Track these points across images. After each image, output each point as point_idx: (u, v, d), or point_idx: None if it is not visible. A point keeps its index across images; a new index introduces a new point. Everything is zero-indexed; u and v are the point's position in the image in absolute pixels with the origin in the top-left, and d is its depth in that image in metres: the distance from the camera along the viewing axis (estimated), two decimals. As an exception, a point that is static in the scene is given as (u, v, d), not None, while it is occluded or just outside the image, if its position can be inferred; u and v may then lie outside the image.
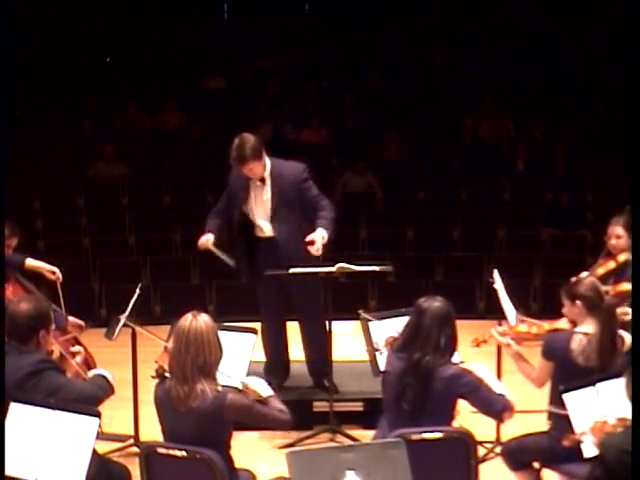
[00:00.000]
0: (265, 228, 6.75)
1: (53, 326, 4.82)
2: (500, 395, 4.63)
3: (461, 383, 4.54)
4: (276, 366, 6.97)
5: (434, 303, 4.64)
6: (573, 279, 5.07)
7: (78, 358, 5.22)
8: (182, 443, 4.27)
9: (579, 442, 4.28)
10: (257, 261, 6.79)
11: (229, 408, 4.26)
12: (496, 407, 4.59)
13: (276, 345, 6.99)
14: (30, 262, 6.36)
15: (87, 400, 4.47)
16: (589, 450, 4.28)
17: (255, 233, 6.78)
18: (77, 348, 5.36)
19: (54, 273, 6.35)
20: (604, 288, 5.17)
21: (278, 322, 6.97)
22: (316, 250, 6.45)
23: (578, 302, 4.94)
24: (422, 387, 4.51)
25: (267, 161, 6.69)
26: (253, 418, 4.37)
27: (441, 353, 4.55)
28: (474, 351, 5.39)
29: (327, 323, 6.56)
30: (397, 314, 5.45)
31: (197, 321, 4.32)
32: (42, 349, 4.67)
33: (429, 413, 4.49)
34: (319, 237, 6.46)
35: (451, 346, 4.62)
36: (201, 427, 4.26)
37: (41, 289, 6.53)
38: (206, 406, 4.24)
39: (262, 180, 6.67)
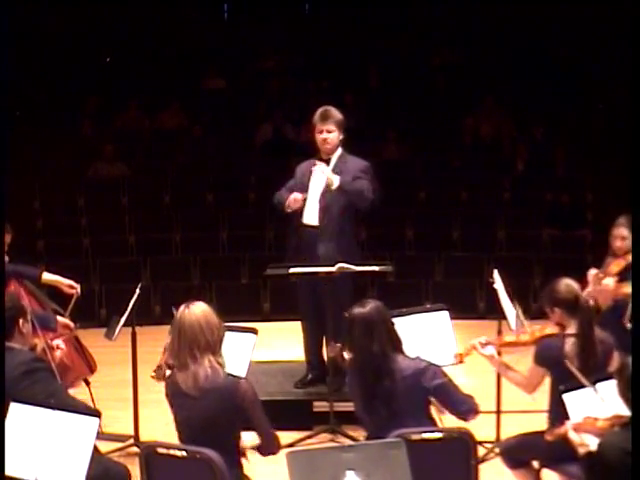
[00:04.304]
0: (313, 213, 6.77)
1: (29, 316, 4.86)
2: (468, 396, 4.64)
3: (428, 376, 4.53)
4: (312, 365, 7.01)
5: (359, 310, 4.62)
6: (551, 285, 5.05)
7: (59, 352, 5.32)
8: (196, 429, 4.29)
9: (563, 437, 4.25)
10: (301, 250, 6.79)
11: (242, 392, 4.29)
12: (464, 407, 4.60)
13: (310, 344, 7.00)
14: (46, 276, 6.25)
15: None
16: (579, 447, 4.23)
17: (301, 219, 6.81)
18: (57, 342, 5.42)
19: (72, 287, 6.24)
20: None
21: (314, 320, 6.92)
22: (320, 171, 6.60)
23: (556, 309, 4.97)
24: (386, 396, 4.50)
25: (340, 148, 6.82)
26: (258, 416, 4.38)
27: (382, 357, 4.52)
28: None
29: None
30: (397, 314, 5.44)
31: (190, 310, 4.35)
32: (26, 340, 4.74)
33: (406, 415, 4.48)
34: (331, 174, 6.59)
35: (390, 345, 4.57)
36: (216, 405, 4.26)
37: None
38: (220, 383, 4.27)
39: (327, 162, 6.76)
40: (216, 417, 4.28)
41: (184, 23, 15.28)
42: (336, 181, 6.64)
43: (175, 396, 4.40)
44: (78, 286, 6.27)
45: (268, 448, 4.49)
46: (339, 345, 5.33)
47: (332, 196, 6.72)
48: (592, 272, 6.01)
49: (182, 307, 4.39)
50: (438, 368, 4.62)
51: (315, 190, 6.82)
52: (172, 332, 4.37)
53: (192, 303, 4.40)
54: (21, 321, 4.72)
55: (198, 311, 4.36)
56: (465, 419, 4.65)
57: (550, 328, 5.13)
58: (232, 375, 4.38)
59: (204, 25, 15.48)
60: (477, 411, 4.66)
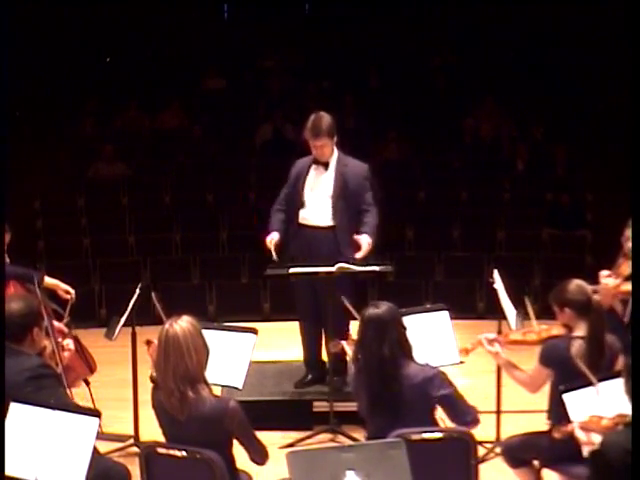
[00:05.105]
0: (316, 214, 6.74)
1: (45, 322, 4.85)
2: (471, 407, 4.64)
3: (435, 385, 4.53)
4: (311, 365, 6.99)
5: (373, 311, 4.59)
6: (561, 285, 5.04)
7: (66, 354, 5.34)
8: (186, 445, 4.25)
9: (570, 434, 4.26)
10: (311, 252, 6.74)
11: (230, 417, 4.26)
12: (467, 418, 4.60)
13: (309, 344, 6.99)
14: (47, 280, 6.26)
15: None
16: (584, 446, 4.25)
17: (298, 220, 6.77)
18: (67, 342, 5.40)
19: (68, 292, 6.27)
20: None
21: (313, 320, 6.90)
22: (361, 255, 6.45)
23: (567, 309, 4.95)
24: (392, 402, 4.49)
25: (335, 149, 6.76)
26: (248, 436, 4.36)
27: (392, 361, 4.50)
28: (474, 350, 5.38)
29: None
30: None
31: (173, 328, 4.24)
32: (37, 346, 4.71)
33: (411, 420, 4.46)
34: (365, 243, 6.48)
35: (400, 349, 4.55)
36: (203, 432, 4.24)
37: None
38: (206, 411, 4.23)
39: (325, 165, 6.73)
40: (205, 440, 4.24)
41: (184, 23, 15.29)
42: (368, 242, 6.53)
43: (161, 411, 4.36)
44: (73, 292, 6.29)
45: (256, 460, 4.47)
46: (342, 342, 5.34)
47: (345, 190, 6.68)
48: (604, 273, 5.98)
49: (167, 323, 4.29)
50: (445, 376, 4.61)
51: (316, 191, 6.78)
52: (157, 350, 4.29)
53: (176, 320, 4.28)
54: (36, 330, 4.67)
55: (180, 331, 4.22)
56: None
57: (557, 329, 5.12)
58: (219, 396, 4.33)
59: (204, 25, 15.49)
60: (478, 421, 4.65)
